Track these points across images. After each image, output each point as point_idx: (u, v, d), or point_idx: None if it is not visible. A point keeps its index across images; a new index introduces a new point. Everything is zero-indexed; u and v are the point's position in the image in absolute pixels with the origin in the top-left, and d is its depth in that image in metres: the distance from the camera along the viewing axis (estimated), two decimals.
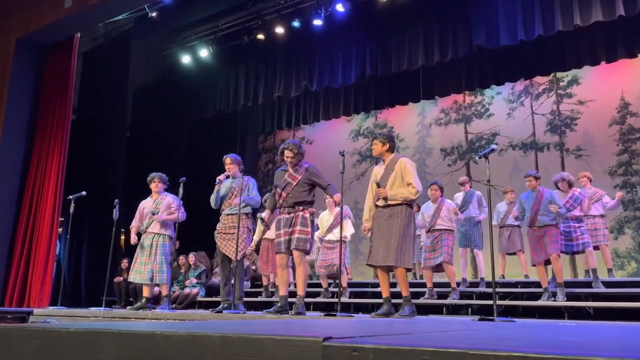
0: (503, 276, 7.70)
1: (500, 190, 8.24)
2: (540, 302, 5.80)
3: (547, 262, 5.94)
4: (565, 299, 5.73)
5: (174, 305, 7.90)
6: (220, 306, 5.64)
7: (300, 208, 4.92)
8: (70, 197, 7.21)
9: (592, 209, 6.66)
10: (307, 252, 4.97)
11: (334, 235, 7.09)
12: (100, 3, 7.71)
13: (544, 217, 5.92)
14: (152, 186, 6.50)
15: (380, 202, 4.71)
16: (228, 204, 5.69)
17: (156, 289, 6.94)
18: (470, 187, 7.61)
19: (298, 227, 4.85)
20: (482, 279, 7.19)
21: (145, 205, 6.50)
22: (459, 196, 7.49)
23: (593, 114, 8.99)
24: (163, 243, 6.31)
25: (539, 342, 1.40)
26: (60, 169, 8.23)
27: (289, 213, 4.94)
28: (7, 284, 7.96)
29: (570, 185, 6.40)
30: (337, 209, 7.21)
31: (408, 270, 4.67)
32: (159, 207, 6.37)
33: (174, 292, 8.20)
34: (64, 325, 1.56)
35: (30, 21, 8.44)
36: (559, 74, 9.35)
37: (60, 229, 8.97)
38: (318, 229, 7.66)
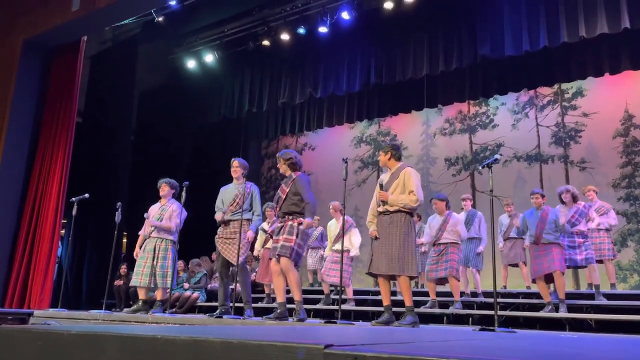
0: (505, 287, 7.69)
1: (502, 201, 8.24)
2: (541, 314, 5.78)
3: (548, 279, 5.92)
4: (566, 312, 5.72)
5: (174, 309, 7.88)
6: (217, 311, 5.61)
7: (290, 218, 5.04)
8: (73, 199, 7.22)
9: (598, 222, 6.66)
10: (294, 260, 4.94)
11: (339, 245, 7.09)
12: (107, 7, 7.78)
13: (549, 235, 5.92)
14: (160, 191, 6.52)
15: (381, 208, 4.71)
16: (231, 210, 5.72)
17: (166, 293, 6.93)
18: (472, 205, 7.59)
19: (284, 235, 4.95)
20: (479, 293, 7.18)
21: (152, 211, 6.52)
22: (462, 216, 7.49)
23: (597, 126, 8.98)
24: (166, 247, 6.31)
25: (540, 353, 1.40)
26: (64, 170, 8.25)
27: (281, 222, 5.12)
28: (8, 284, 7.97)
29: (574, 198, 6.39)
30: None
31: (412, 278, 4.64)
32: (163, 214, 6.39)
33: (174, 294, 8.18)
34: (66, 328, 1.56)
35: (38, 23, 8.50)
36: (563, 86, 9.37)
37: (63, 231, 8.99)
38: (326, 239, 7.69)
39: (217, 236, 5.77)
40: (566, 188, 6.49)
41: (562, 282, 5.81)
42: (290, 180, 5.14)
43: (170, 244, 6.34)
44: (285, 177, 5.25)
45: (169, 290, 6.38)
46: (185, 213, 6.42)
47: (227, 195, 5.80)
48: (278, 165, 5.33)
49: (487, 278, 8.33)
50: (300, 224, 5.01)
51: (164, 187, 6.49)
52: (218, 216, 5.76)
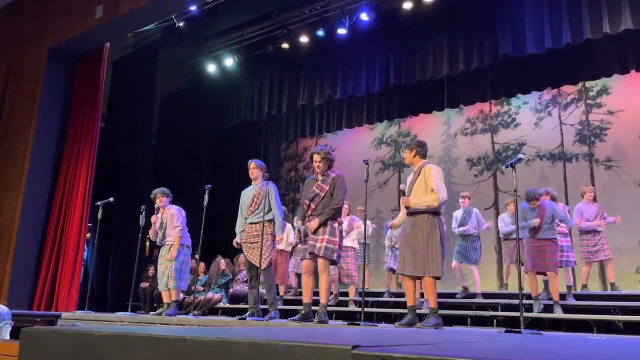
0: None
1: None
2: (556, 315, 5.70)
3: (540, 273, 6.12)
4: (562, 312, 5.84)
5: (195, 311, 7.94)
6: (247, 313, 5.64)
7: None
8: (98, 203, 7.36)
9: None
10: (334, 262, 4.94)
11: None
12: (130, 13, 7.89)
13: (546, 231, 6.08)
14: (157, 202, 6.67)
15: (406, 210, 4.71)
16: (250, 211, 5.64)
17: (180, 295, 7.06)
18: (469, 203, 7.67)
19: (326, 236, 4.83)
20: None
21: (155, 219, 6.73)
22: (459, 213, 7.59)
23: (623, 124, 8.80)
24: (177, 251, 6.49)
25: (568, 355, 1.38)
26: (89, 175, 8.40)
27: None
28: (36, 287, 8.14)
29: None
30: (348, 217, 7.45)
31: (438, 278, 4.57)
32: (164, 223, 6.61)
33: (196, 297, 8.25)
34: (96, 329, 1.59)
35: (63, 31, 8.67)
36: (587, 84, 9.19)
37: (88, 235, 9.15)
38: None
39: (242, 241, 5.71)
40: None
41: (555, 286, 5.93)
42: (330, 179, 4.96)
43: (182, 247, 6.50)
44: (320, 173, 5.02)
45: (183, 290, 6.57)
46: (183, 212, 6.57)
47: (245, 197, 5.77)
48: (314, 159, 5.01)
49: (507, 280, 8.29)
50: (340, 224, 4.98)
51: (160, 198, 6.63)
52: (237, 240, 5.78)
